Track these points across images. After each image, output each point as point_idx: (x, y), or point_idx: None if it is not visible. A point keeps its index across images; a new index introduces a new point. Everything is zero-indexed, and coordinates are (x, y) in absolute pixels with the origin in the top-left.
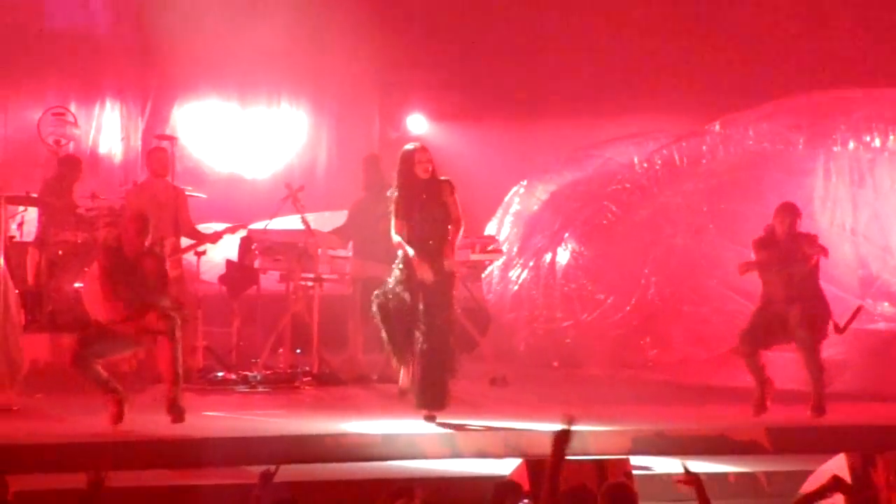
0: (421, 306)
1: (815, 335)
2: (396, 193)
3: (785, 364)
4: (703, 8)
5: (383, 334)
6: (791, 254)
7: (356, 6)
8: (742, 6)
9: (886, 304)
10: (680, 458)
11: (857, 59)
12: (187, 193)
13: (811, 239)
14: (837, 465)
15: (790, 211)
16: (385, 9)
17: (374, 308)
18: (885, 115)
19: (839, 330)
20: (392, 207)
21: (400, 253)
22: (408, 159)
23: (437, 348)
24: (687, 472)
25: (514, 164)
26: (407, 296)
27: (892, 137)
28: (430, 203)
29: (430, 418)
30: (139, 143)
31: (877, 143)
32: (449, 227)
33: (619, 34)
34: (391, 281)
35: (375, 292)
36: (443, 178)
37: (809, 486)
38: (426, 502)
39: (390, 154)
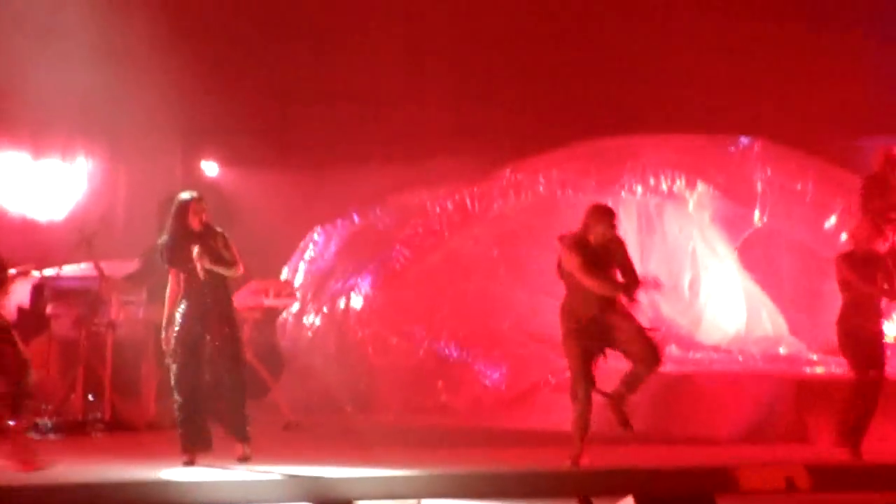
0: (209, 356)
1: None
2: (167, 240)
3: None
4: (493, 55)
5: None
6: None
7: (154, 50)
8: (534, 52)
9: (674, 345)
10: (472, 501)
11: (641, 104)
12: None
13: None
14: None
15: None
16: (183, 55)
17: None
18: (673, 161)
19: None
20: (162, 254)
21: (180, 308)
22: (182, 208)
23: (240, 398)
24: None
25: (309, 209)
26: (190, 355)
27: (678, 182)
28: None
29: (247, 457)
30: None
31: (664, 188)
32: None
33: (413, 82)
34: (173, 336)
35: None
36: (217, 228)
37: None
38: None
39: None
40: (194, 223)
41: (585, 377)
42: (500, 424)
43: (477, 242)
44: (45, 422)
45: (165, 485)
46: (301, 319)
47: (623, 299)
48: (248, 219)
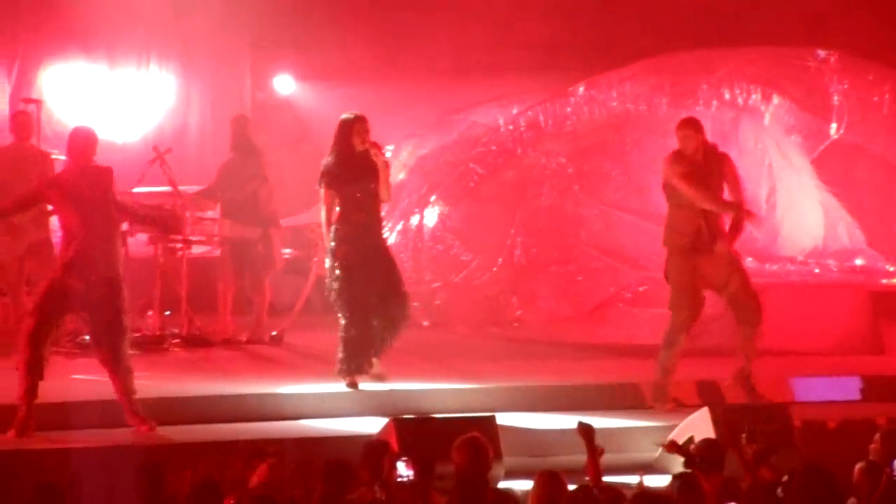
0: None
1: None
2: (331, 161)
3: (648, 319)
4: None
5: (346, 330)
6: None
7: None
8: None
9: (750, 258)
10: (547, 414)
11: (720, 18)
12: (54, 157)
13: None
14: (702, 417)
15: None
16: None
17: (337, 305)
18: (748, 74)
19: None
20: (320, 185)
21: (333, 235)
22: (346, 128)
23: (399, 320)
24: (581, 423)
25: (383, 126)
26: (356, 284)
27: (754, 96)
28: (361, 175)
29: (353, 385)
30: (6, 106)
31: (739, 101)
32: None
33: None
34: (329, 269)
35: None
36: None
37: (676, 439)
38: (279, 462)
39: (258, 115)
40: (357, 143)
41: (689, 301)
42: (574, 339)
43: (550, 159)
44: None
45: (243, 398)
46: None
47: (728, 222)
48: (322, 135)
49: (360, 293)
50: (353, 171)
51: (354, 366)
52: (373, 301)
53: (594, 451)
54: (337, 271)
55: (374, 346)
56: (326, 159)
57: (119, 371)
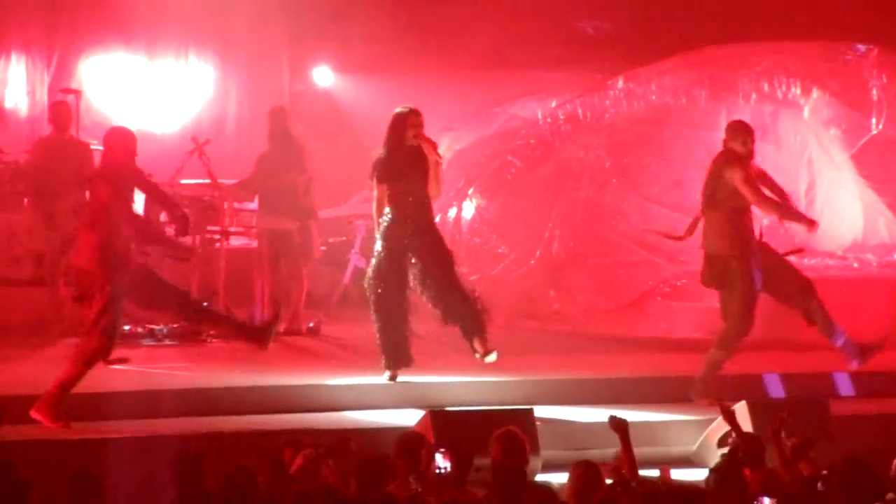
0: (419, 272)
1: None
2: (383, 155)
3: (686, 313)
4: None
5: (376, 326)
6: None
7: None
8: None
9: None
10: (584, 407)
11: (760, 11)
12: (93, 148)
13: None
14: (740, 411)
15: None
16: None
17: (371, 299)
18: (788, 67)
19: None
20: (372, 178)
21: (385, 220)
22: (399, 122)
23: (463, 307)
24: (613, 417)
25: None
26: (394, 271)
27: (793, 89)
28: (413, 169)
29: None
30: (45, 97)
31: (779, 94)
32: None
33: None
34: (375, 258)
35: (366, 281)
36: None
37: (713, 433)
38: (314, 452)
39: (297, 107)
40: (410, 137)
41: (754, 309)
42: (612, 332)
43: (588, 152)
44: (161, 328)
45: (281, 389)
46: None
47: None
48: (360, 127)
49: (390, 284)
50: (404, 165)
51: (389, 359)
52: (403, 295)
53: (629, 445)
54: (377, 253)
55: (404, 344)
56: (378, 152)
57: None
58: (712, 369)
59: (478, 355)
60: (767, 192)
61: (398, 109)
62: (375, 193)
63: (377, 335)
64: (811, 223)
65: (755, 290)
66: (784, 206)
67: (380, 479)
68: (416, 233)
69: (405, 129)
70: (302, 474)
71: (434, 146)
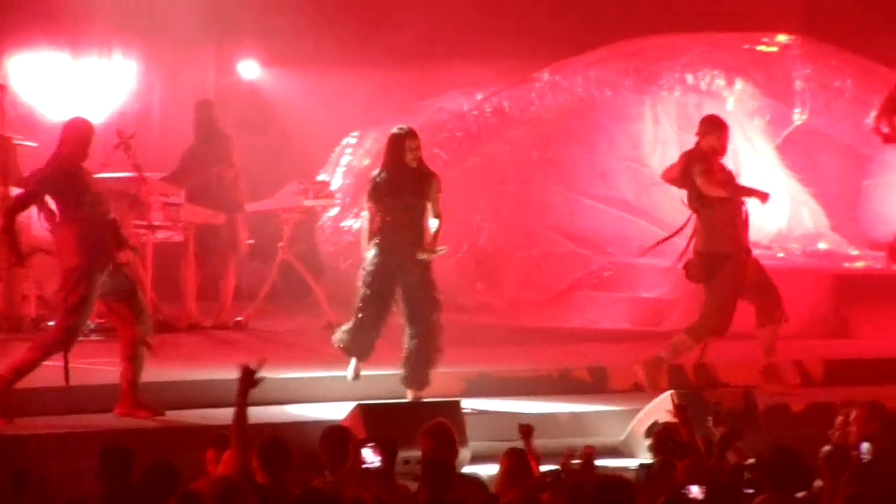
0: (403, 300)
1: None
2: (383, 177)
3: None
4: None
5: (357, 315)
6: None
7: None
8: None
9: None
10: (512, 399)
11: (685, 4)
12: (16, 142)
13: None
14: (665, 402)
15: None
16: None
17: (361, 283)
18: (711, 59)
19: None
20: (370, 192)
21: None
22: (398, 144)
23: (430, 342)
24: (521, 424)
25: (346, 112)
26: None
27: (717, 81)
28: (408, 190)
29: (418, 398)
30: None
31: (703, 86)
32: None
33: None
34: (367, 265)
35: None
36: (431, 170)
37: (640, 423)
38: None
39: (223, 100)
40: (410, 161)
41: (733, 311)
42: (539, 323)
43: (514, 145)
44: (88, 324)
45: (209, 384)
46: (339, 224)
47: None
48: (287, 121)
49: (381, 299)
50: (401, 185)
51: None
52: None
53: (532, 449)
54: (366, 277)
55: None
56: (378, 173)
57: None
58: (674, 354)
59: (408, 393)
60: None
61: (394, 130)
62: (367, 211)
63: (350, 330)
64: (763, 195)
65: (740, 291)
66: (732, 184)
67: (281, 470)
68: (406, 261)
69: (403, 151)
70: (230, 469)
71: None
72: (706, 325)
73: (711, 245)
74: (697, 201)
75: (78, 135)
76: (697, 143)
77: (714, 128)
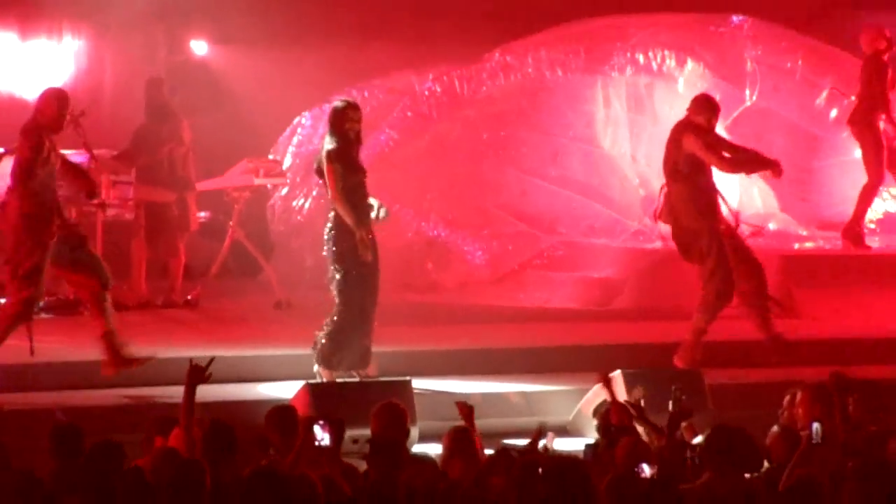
0: None
1: None
2: (336, 146)
3: (564, 283)
4: None
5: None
6: None
7: None
8: None
9: (661, 223)
10: (462, 378)
11: None
12: None
13: None
14: (615, 381)
15: None
16: None
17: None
18: (662, 40)
19: None
20: (331, 162)
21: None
22: (340, 115)
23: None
24: (458, 402)
25: (299, 90)
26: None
27: (668, 62)
28: (359, 166)
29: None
30: None
31: (654, 67)
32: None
33: None
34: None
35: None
36: None
37: (588, 403)
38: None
39: (173, 78)
40: (350, 131)
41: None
42: (490, 303)
43: (465, 125)
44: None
45: (158, 363)
46: (290, 203)
47: None
48: (238, 99)
49: (369, 287)
50: (356, 159)
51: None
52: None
53: (473, 428)
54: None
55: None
56: (330, 142)
57: None
58: (697, 335)
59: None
60: (727, 155)
61: (337, 103)
62: (335, 175)
63: (333, 330)
64: (776, 166)
65: (727, 253)
66: (745, 161)
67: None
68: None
69: (344, 122)
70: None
71: None
72: (711, 296)
73: (681, 220)
74: (670, 175)
75: (56, 104)
76: (688, 118)
77: (706, 108)
